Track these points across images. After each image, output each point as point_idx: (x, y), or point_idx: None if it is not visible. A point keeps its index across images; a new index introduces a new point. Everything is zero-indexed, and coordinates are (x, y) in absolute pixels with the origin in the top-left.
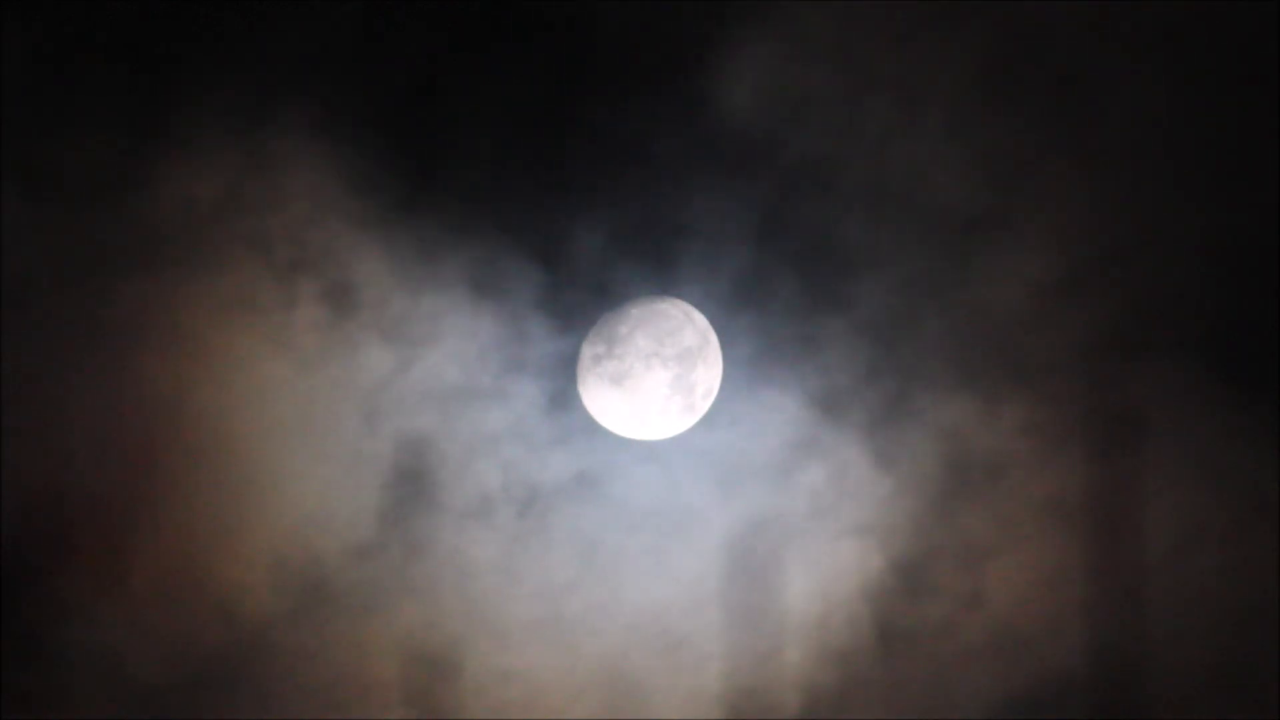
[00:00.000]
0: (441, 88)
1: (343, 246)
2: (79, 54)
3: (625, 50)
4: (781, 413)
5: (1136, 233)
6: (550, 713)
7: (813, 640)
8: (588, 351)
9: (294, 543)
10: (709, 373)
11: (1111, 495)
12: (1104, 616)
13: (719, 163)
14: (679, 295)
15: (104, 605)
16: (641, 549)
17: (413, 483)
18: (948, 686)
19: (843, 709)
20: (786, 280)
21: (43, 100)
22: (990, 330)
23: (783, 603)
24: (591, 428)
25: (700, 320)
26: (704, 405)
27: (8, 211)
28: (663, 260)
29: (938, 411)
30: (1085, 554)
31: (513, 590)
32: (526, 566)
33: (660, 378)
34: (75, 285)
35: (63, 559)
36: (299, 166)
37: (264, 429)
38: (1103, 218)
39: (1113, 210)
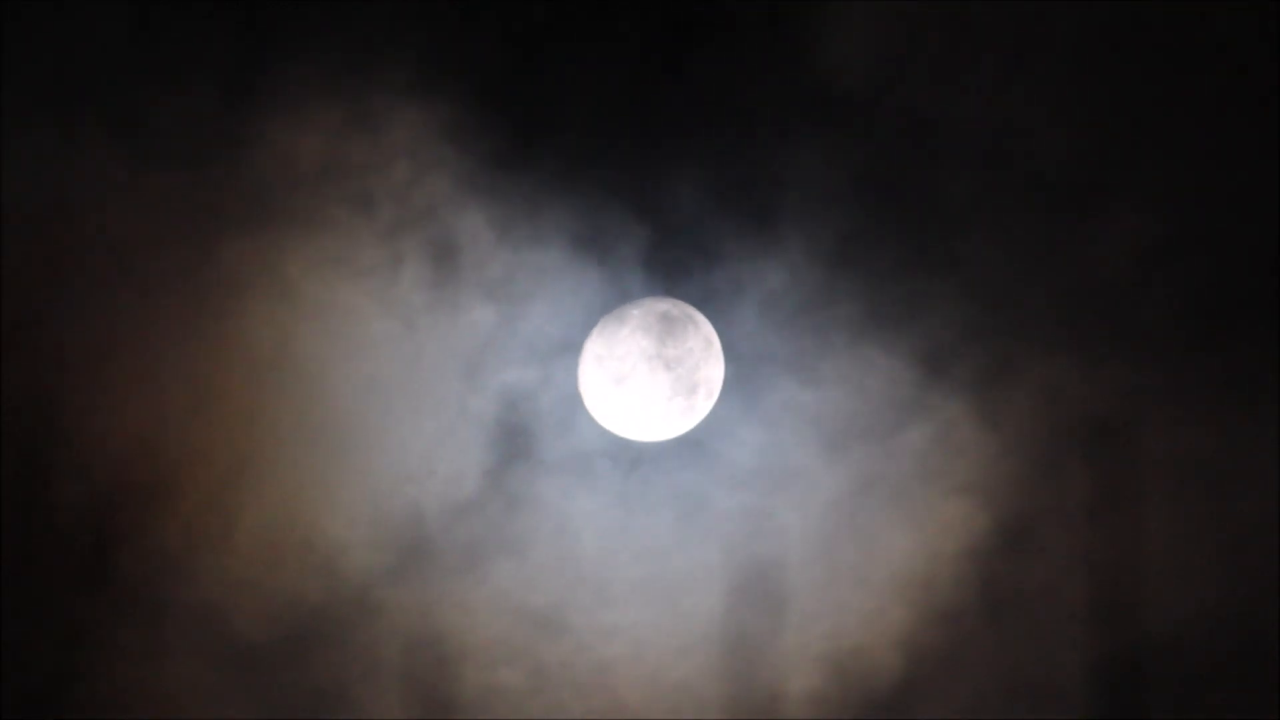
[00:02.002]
0: (543, 44)
1: (445, 204)
2: (180, 12)
3: (728, 3)
4: (886, 372)
5: (1246, 193)
6: (654, 670)
7: (918, 600)
8: (589, 352)
9: (396, 499)
10: (711, 374)
11: (1219, 457)
12: (1211, 580)
13: (823, 119)
14: (781, 254)
15: (206, 561)
16: (746, 508)
17: (515, 440)
18: (1053, 648)
19: (948, 669)
20: (891, 239)
21: (144, 59)
22: (1098, 290)
23: (888, 562)
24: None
25: (702, 321)
26: (705, 407)
27: (111, 170)
28: (765, 217)
29: (1044, 372)
30: (1192, 517)
31: (616, 548)
32: (630, 524)
33: (661, 379)
34: (176, 243)
35: (164, 515)
36: (400, 124)
37: (366, 386)
38: (1212, 178)
39: (1222, 170)
